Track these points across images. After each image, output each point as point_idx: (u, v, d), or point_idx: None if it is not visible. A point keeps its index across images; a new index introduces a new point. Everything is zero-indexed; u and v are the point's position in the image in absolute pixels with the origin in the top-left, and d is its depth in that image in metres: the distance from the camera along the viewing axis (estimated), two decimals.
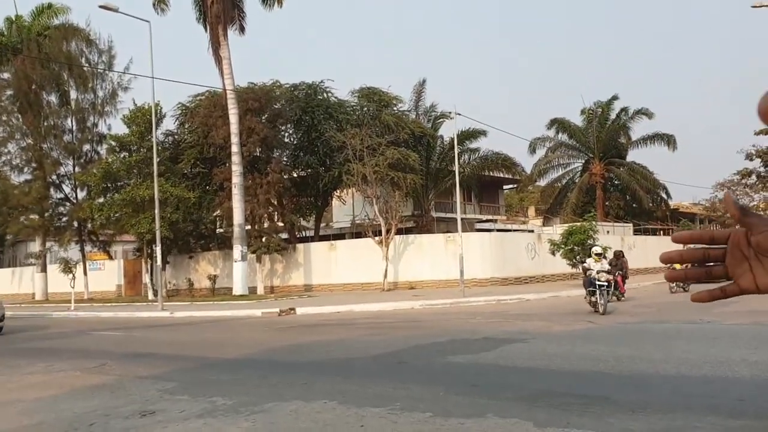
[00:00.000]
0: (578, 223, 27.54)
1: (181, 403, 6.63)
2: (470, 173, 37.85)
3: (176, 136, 34.54)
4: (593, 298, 15.41)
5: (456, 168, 26.06)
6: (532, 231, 39.60)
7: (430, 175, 36.66)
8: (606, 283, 15.24)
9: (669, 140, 44.57)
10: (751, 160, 25.20)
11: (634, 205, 46.66)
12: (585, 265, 17.18)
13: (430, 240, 30.90)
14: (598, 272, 15.50)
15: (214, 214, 36.25)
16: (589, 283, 15.67)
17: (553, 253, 27.38)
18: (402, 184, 30.27)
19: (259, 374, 8.21)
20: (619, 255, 22.72)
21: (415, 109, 36.88)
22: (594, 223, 27.08)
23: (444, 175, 37.60)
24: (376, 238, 29.51)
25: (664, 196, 45.65)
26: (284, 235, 33.77)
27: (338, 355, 9.53)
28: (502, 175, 42.14)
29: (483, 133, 37.07)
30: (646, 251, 37.82)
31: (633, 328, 12.12)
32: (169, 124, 34.84)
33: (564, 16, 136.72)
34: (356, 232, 36.09)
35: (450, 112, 24.27)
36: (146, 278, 34.65)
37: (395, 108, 34.81)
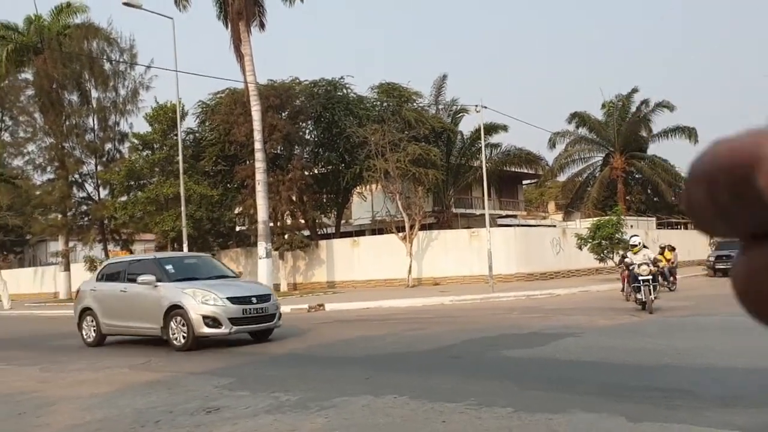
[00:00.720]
0: (606, 217, 27.23)
1: (244, 399, 6.50)
2: (491, 168, 37.57)
3: (197, 134, 34.50)
4: (638, 295, 14.07)
5: (483, 162, 25.89)
6: (554, 226, 39.29)
7: (450, 170, 36.45)
8: (650, 276, 13.93)
9: (690, 133, 44.07)
10: None
11: (655, 199, 46.24)
12: (627, 259, 15.73)
13: (453, 236, 30.71)
14: (639, 265, 14.34)
15: (235, 212, 36.27)
16: (634, 279, 14.37)
17: (580, 248, 27.08)
18: (424, 179, 30.12)
19: (315, 369, 8.07)
20: (671, 248, 23.03)
21: (435, 104, 36.69)
22: (622, 216, 26.77)
23: (465, 171, 37.43)
24: (400, 234, 29.35)
25: None
26: (306, 233, 33.72)
27: (388, 349, 9.37)
28: (522, 170, 41.94)
29: (504, 127, 36.89)
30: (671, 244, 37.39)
31: (680, 321, 11.88)
32: (190, 122, 34.82)
33: (583, 9, 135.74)
34: (377, 228, 35.97)
35: (477, 106, 24.07)
36: None
37: (415, 103, 34.65)
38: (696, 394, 5.58)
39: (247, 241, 39.50)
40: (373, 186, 36.85)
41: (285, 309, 20.82)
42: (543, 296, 21.43)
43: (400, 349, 9.40)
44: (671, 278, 20.62)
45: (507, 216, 44.64)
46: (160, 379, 8.03)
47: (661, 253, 21.04)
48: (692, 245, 39.34)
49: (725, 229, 0.33)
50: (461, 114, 36.91)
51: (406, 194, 29.82)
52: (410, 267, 28.69)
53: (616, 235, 26.11)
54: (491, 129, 36.64)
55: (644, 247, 15.40)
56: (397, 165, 29.02)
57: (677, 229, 43.78)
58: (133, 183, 31.36)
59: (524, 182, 48.73)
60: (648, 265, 14.28)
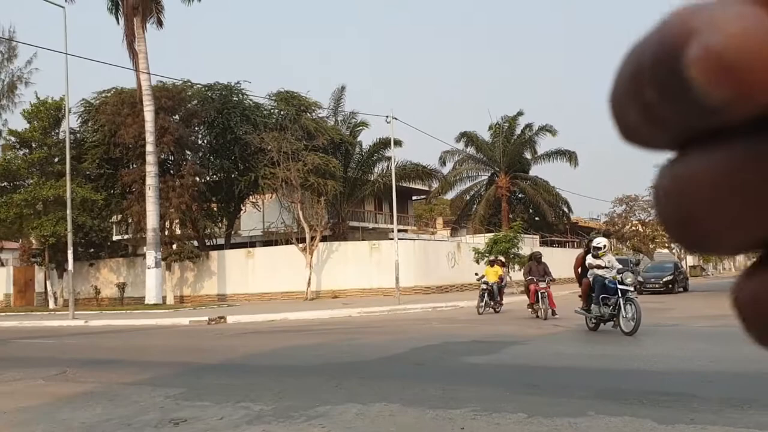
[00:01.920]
0: (502, 233, 27.89)
1: (209, 409, 5.76)
2: (387, 183, 37.62)
3: (79, 135, 32.16)
4: (605, 310, 10.86)
5: (393, 174, 25.85)
6: (445, 240, 39.88)
7: (347, 183, 36.15)
8: (632, 288, 10.80)
9: (571, 156, 46.38)
10: None
11: (536, 218, 48.09)
12: (590, 260, 11.66)
13: (354, 248, 30.37)
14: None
15: (112, 220, 34.09)
16: (602, 289, 10.92)
17: (477, 261, 27.52)
18: (323, 190, 29.66)
19: (268, 378, 7.39)
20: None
21: (333, 116, 36.32)
22: (520, 233, 27.50)
23: (361, 184, 37.21)
24: (300, 246, 28.63)
25: (566, 210, 47.36)
26: (194, 243, 32.19)
27: (340, 359, 8.81)
28: (414, 186, 42.34)
29: (399, 143, 36.99)
30: (553, 262, 38.86)
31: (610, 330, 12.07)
32: (72, 122, 32.38)
33: (473, 34, 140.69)
34: (269, 240, 34.98)
35: (387, 116, 23.92)
36: (46, 286, 31.85)
37: (314, 113, 34.17)
38: (703, 396, 5.49)
39: (122, 252, 37.21)
40: (267, 196, 35.95)
41: (183, 321, 19.73)
42: (448, 308, 21.47)
43: (351, 358, 8.86)
44: (498, 298, 18.10)
45: (399, 230, 44.83)
46: (92, 390, 7.06)
47: (491, 266, 19.04)
48: (571, 262, 41.06)
49: (655, 136, 0.25)
50: (360, 127, 36.76)
51: (308, 204, 29.15)
52: (309, 279, 28.02)
53: (512, 250, 26.80)
54: (388, 143, 36.72)
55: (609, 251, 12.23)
56: (299, 174, 28.36)
57: (559, 247, 45.70)
58: (7, 184, 28.66)
59: (414, 198, 49.26)
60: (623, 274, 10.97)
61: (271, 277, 29.72)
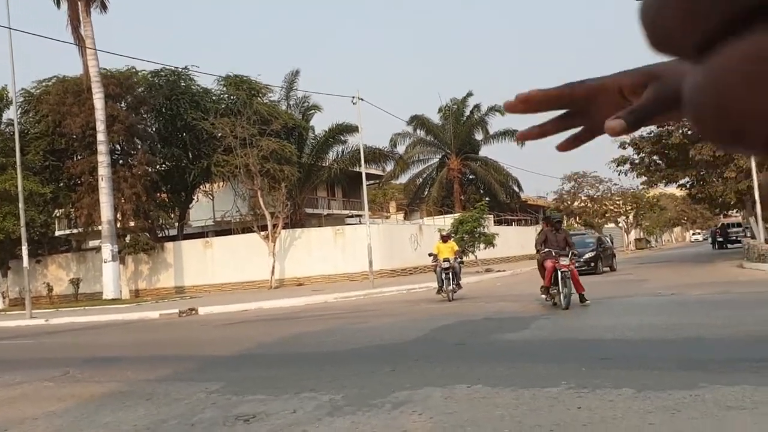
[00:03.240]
0: (468, 213, 27.88)
1: (271, 402, 5.31)
2: (342, 168, 37.11)
3: (20, 126, 30.37)
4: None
5: (362, 158, 25.57)
6: (408, 224, 39.70)
7: (302, 168, 35.44)
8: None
9: None
10: (624, 148, 26.77)
11: (487, 198, 48.44)
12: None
13: (318, 234, 29.84)
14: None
15: (54, 215, 32.52)
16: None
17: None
18: (279, 176, 28.94)
19: (307, 367, 6.95)
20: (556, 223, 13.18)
21: (286, 100, 35.49)
22: (484, 212, 27.53)
23: (317, 170, 36.55)
24: (262, 233, 27.91)
25: (516, 189, 47.85)
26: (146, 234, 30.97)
27: (365, 342, 8.42)
28: (368, 171, 41.91)
29: (355, 128, 36.42)
30: (508, 240, 39.34)
31: (609, 302, 12.03)
32: (12, 113, 30.56)
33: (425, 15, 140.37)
34: (222, 229, 34.05)
35: (354, 97, 23.36)
36: None
37: (265, 98, 33.28)
38: (747, 359, 5.38)
39: (63, 247, 35.56)
40: (219, 184, 34.95)
41: (151, 314, 18.89)
42: (422, 289, 21.25)
43: (377, 341, 8.49)
44: (458, 279, 15.32)
45: (353, 216, 44.48)
46: (117, 389, 6.47)
47: (444, 242, 15.93)
48: (525, 240, 41.59)
49: (689, 34, 0.23)
50: (312, 111, 36.07)
51: (266, 191, 28.40)
52: (273, 267, 27.36)
53: (478, 230, 26.81)
54: (344, 129, 36.17)
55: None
56: (257, 160, 27.59)
57: (511, 225, 46.15)
58: None
59: (367, 183, 48.84)
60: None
61: (232, 267, 28.92)
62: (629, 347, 6.78)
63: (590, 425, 3.91)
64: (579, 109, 0.69)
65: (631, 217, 53.01)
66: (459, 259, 15.67)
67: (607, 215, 49.82)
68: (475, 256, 27.10)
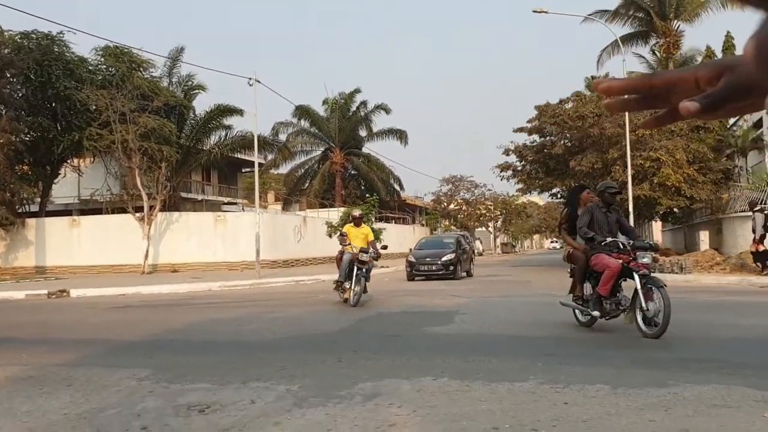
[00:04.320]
0: (358, 207, 27.72)
1: (221, 392, 4.85)
2: (223, 153, 35.82)
3: None
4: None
5: (255, 142, 24.52)
6: (292, 215, 38.99)
7: (181, 150, 33.87)
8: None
9: (401, 135, 47.44)
10: (508, 155, 27.70)
11: (367, 195, 48.64)
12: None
13: (197, 219, 28.57)
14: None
15: None
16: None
17: (330, 236, 27.19)
18: (157, 157, 27.49)
19: (242, 355, 6.48)
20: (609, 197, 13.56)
21: (168, 77, 33.74)
22: (375, 208, 27.52)
23: (195, 152, 35.05)
24: (138, 215, 26.34)
25: (398, 188, 48.42)
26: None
27: (290, 332, 8.01)
28: (244, 157, 40.76)
29: (240, 111, 35.30)
30: (388, 238, 39.61)
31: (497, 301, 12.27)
32: None
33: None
34: (89, 208, 31.89)
35: (250, 78, 22.45)
36: None
37: (146, 73, 31.48)
38: (737, 360, 5.60)
39: None
40: (88, 160, 32.74)
41: (15, 295, 17.24)
42: (311, 281, 20.92)
43: (302, 332, 8.09)
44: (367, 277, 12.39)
45: (229, 203, 43.19)
46: (30, 374, 5.68)
47: (357, 226, 12.95)
48: (403, 239, 42.17)
49: None
50: (196, 90, 34.54)
51: (144, 171, 26.85)
52: (147, 251, 25.90)
53: (367, 224, 26.70)
54: (226, 111, 34.94)
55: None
56: (136, 137, 26.02)
57: (392, 223, 46.60)
58: None
59: (244, 170, 47.57)
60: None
61: (101, 249, 27.10)
62: (572, 345, 6.86)
63: (590, 421, 3.81)
64: (658, 95, 0.73)
65: (499, 222, 55.23)
66: (374, 253, 12.06)
67: (481, 219, 51.61)
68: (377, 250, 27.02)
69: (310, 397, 4.61)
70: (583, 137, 24.73)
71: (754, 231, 15.92)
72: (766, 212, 16.02)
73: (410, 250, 22.38)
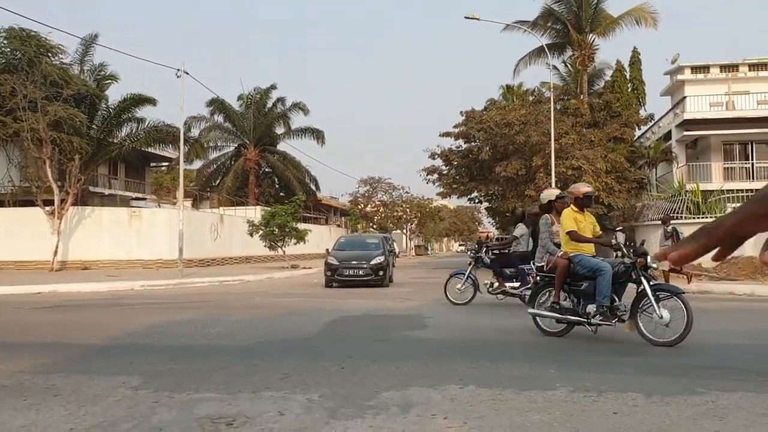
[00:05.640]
0: (282, 206, 27.18)
1: (239, 403, 4.49)
2: (133, 146, 34.16)
3: None
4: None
5: (181, 132, 23.64)
6: (209, 212, 37.71)
7: (91, 142, 32.08)
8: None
9: (319, 135, 46.99)
10: (434, 158, 27.92)
11: (282, 194, 47.92)
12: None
13: (111, 214, 27.14)
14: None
15: None
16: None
17: (251, 235, 26.49)
18: (68, 148, 25.97)
19: (236, 362, 6.06)
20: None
21: (80, 64, 31.87)
22: (300, 207, 27.04)
23: (106, 144, 33.27)
24: (48, 209, 24.73)
25: (314, 187, 47.89)
26: None
27: (268, 336, 7.62)
28: (153, 151, 39.16)
29: (153, 101, 33.80)
30: (312, 239, 39.08)
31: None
32: None
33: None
34: None
35: (178, 69, 21.44)
36: None
37: (57, 59, 29.63)
38: (735, 367, 5.73)
39: None
40: None
41: None
42: (236, 282, 20.31)
43: (274, 336, 7.70)
44: None
45: (137, 198, 41.31)
46: (6, 383, 5.09)
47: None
48: (320, 239, 41.74)
49: None
50: (109, 81, 32.80)
51: (55, 162, 25.26)
52: (57, 247, 24.36)
53: (291, 224, 26.23)
54: (139, 100, 33.36)
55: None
56: (47, 127, 24.43)
57: (307, 222, 46.00)
58: None
59: (152, 164, 45.73)
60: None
61: (4, 244, 25.28)
62: (567, 351, 6.85)
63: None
64: (726, 244, 0.85)
65: (414, 224, 55.72)
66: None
67: (400, 220, 51.84)
68: (284, 251, 26.49)
69: (340, 408, 4.33)
70: (508, 144, 25.25)
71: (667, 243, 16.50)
72: (626, 231, 16.52)
73: (328, 250, 18.66)
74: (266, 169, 47.41)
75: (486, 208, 33.83)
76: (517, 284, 10.96)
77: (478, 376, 5.28)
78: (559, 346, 7.12)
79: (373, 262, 17.58)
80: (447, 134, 27.59)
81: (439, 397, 4.57)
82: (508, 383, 4.96)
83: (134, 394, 4.77)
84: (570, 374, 5.37)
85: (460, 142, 27.64)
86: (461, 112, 27.08)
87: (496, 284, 11.39)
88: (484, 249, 11.74)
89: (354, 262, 17.57)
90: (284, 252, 26.44)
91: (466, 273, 11.65)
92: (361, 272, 17.43)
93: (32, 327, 8.86)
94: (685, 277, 16.35)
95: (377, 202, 50.75)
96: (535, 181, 24.06)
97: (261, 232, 26.03)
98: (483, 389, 4.78)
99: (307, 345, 7.02)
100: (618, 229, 8.04)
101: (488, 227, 47.00)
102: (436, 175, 28.41)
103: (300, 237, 26.09)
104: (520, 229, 11.28)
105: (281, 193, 47.79)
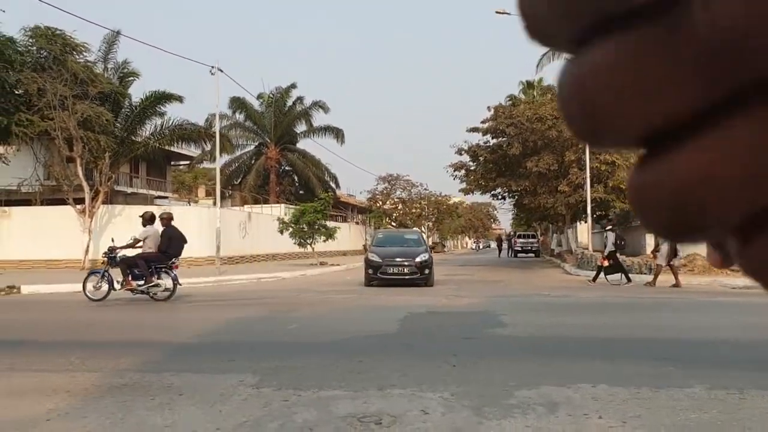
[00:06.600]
0: (311, 204, 27.11)
1: (374, 401, 4.37)
2: (158, 145, 34.15)
3: None
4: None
5: (217, 130, 23.61)
6: (237, 210, 37.67)
7: (117, 141, 32.09)
8: None
9: (338, 133, 46.87)
10: (461, 154, 27.75)
11: (301, 192, 47.88)
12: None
13: (141, 212, 26.98)
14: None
15: None
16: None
17: (282, 232, 26.43)
18: (95, 147, 26.03)
19: (334, 359, 5.95)
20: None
21: (104, 62, 31.86)
22: (329, 205, 26.97)
23: (129, 143, 33.27)
24: (79, 207, 24.74)
25: (333, 185, 47.78)
26: None
27: (351, 332, 7.51)
28: (174, 150, 39.15)
29: (179, 98, 33.73)
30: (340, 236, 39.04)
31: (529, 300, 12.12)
32: None
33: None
34: (13, 199, 29.73)
35: (213, 67, 21.39)
36: None
37: (80, 57, 29.63)
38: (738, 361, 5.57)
39: None
40: (15, 148, 30.52)
41: None
42: (272, 279, 20.28)
43: (358, 332, 7.60)
44: None
45: (159, 197, 41.40)
46: (124, 382, 5.00)
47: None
48: (340, 235, 41.53)
49: (562, 30, 0.23)
50: (131, 78, 32.77)
51: (85, 159, 25.28)
52: (88, 246, 24.35)
53: (320, 221, 26.15)
54: (163, 98, 33.32)
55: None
56: (77, 125, 24.46)
57: (331, 220, 45.97)
58: None
59: (173, 163, 45.73)
60: None
61: (35, 242, 25.29)
62: (667, 347, 6.71)
63: None
64: None
65: (432, 221, 55.51)
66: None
67: (420, 218, 51.67)
68: (313, 248, 26.39)
69: (483, 407, 4.21)
70: (539, 139, 25.04)
71: (605, 248, 16.31)
72: (617, 231, 16.67)
73: (366, 246, 17.79)
74: (286, 168, 47.37)
75: (514, 204, 33.59)
76: (141, 282, 12.41)
77: (593, 374, 5.14)
78: (644, 343, 6.98)
79: (417, 259, 16.31)
80: (474, 129, 27.40)
81: (578, 396, 4.45)
82: (639, 381, 4.83)
83: (258, 392, 4.67)
84: (691, 372, 5.22)
85: (488, 137, 27.44)
86: (489, 107, 26.89)
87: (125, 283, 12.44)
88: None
89: (398, 260, 16.33)
90: (314, 249, 26.33)
91: (101, 271, 12.98)
92: (406, 270, 16.19)
93: (101, 325, 8.78)
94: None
95: (396, 200, 50.58)
96: (568, 177, 23.85)
97: (291, 229, 25.95)
98: (616, 388, 4.65)
99: (398, 342, 6.90)
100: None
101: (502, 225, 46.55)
102: (463, 171, 28.23)
103: (329, 234, 26.00)
104: (146, 231, 12.97)
105: (301, 191, 47.73)
